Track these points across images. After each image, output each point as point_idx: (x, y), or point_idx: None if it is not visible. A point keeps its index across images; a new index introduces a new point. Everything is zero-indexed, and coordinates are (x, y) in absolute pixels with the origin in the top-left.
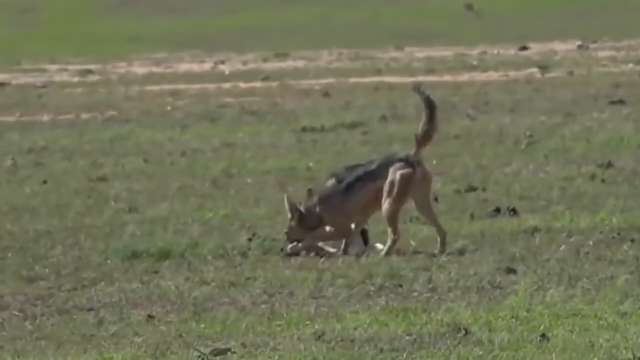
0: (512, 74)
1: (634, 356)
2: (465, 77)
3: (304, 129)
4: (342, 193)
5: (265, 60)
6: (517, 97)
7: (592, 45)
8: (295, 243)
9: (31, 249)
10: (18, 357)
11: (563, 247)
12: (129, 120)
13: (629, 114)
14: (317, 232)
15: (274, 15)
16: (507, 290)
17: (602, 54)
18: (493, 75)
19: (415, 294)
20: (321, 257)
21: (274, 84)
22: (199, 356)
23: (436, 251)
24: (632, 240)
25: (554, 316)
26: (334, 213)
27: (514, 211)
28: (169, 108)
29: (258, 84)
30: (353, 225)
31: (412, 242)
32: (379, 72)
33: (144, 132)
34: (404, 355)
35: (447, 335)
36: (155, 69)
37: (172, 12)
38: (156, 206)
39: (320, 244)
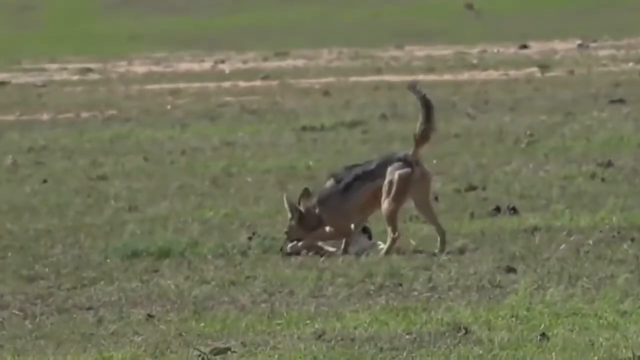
0: (512, 73)
1: (633, 355)
2: (465, 76)
3: (304, 128)
4: (341, 193)
5: (265, 59)
6: (517, 96)
7: (592, 45)
8: (295, 242)
9: (31, 248)
10: (18, 356)
11: (563, 246)
12: (129, 119)
13: (629, 113)
14: (317, 232)
15: (274, 15)
16: (507, 289)
17: (602, 53)
18: (493, 74)
19: (416, 293)
20: (321, 256)
21: (274, 83)
22: (199, 355)
23: (436, 250)
24: (632, 239)
25: (554, 315)
26: (333, 213)
27: (514, 210)
28: (169, 107)
29: (258, 83)
30: (352, 225)
31: (412, 241)
32: (379, 71)
33: (144, 131)
34: (404, 354)
35: (447, 334)
36: (155, 68)
37: (172, 11)
38: (156, 205)
39: (319, 243)
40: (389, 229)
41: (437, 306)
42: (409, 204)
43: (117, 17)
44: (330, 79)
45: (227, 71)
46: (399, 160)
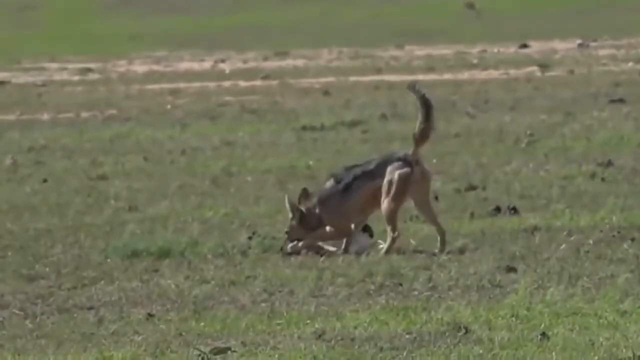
0: (513, 72)
1: (634, 355)
2: (465, 75)
3: (304, 128)
4: (341, 194)
5: (265, 58)
6: (517, 96)
7: (593, 44)
8: (295, 242)
9: (31, 248)
10: (18, 355)
11: (563, 245)
12: (129, 119)
13: (629, 112)
14: (318, 232)
15: (274, 14)
16: (508, 289)
17: (602, 52)
18: (493, 73)
19: (416, 292)
20: (321, 256)
21: (274, 82)
22: (199, 355)
23: (436, 250)
24: (632, 239)
25: (554, 315)
26: (333, 214)
27: (514, 210)
28: (169, 106)
29: (258, 83)
30: (353, 225)
31: (412, 241)
32: (379, 70)
33: (144, 131)
34: (404, 354)
35: (447, 334)
36: (155, 68)
37: (172, 11)
38: (156, 205)
39: (320, 243)
40: (389, 229)
41: (437, 306)
42: (409, 204)
43: (117, 17)
44: (330, 79)
45: (227, 71)
46: (399, 159)
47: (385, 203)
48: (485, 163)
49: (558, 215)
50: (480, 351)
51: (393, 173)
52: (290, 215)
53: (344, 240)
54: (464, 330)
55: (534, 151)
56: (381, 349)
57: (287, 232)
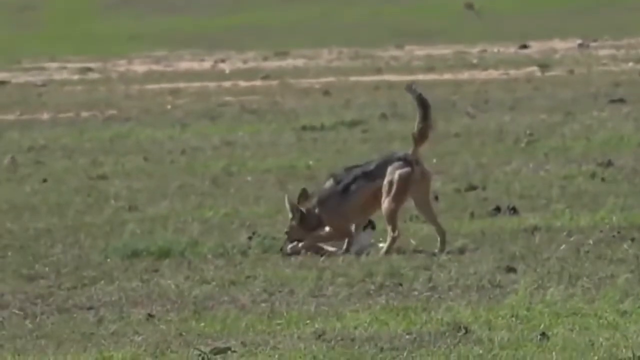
0: (512, 72)
1: (633, 355)
2: (465, 75)
3: (304, 128)
4: (340, 194)
5: (265, 58)
6: (517, 96)
7: (593, 44)
8: (295, 243)
9: (31, 248)
10: (18, 355)
11: (563, 245)
12: (129, 119)
13: (629, 112)
14: (318, 233)
15: (274, 14)
16: (507, 289)
17: (602, 52)
18: (493, 73)
19: (416, 292)
20: (321, 256)
21: (274, 82)
22: (199, 355)
23: (436, 250)
24: (632, 239)
25: (554, 315)
26: (333, 214)
27: (514, 210)
28: (169, 106)
29: (258, 83)
30: (353, 226)
31: (412, 241)
32: (379, 70)
33: (144, 131)
34: (404, 354)
35: (447, 334)
36: (155, 67)
37: (172, 11)
38: (156, 205)
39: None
40: (389, 228)
41: (437, 306)
42: (409, 204)
43: (117, 17)
44: (331, 79)
45: (227, 71)
46: (399, 159)
47: (385, 203)
48: (485, 163)
49: (558, 215)
50: (480, 351)
51: (393, 173)
52: (290, 215)
53: (345, 241)
54: (464, 331)
55: (533, 151)
56: (381, 349)
57: (287, 233)
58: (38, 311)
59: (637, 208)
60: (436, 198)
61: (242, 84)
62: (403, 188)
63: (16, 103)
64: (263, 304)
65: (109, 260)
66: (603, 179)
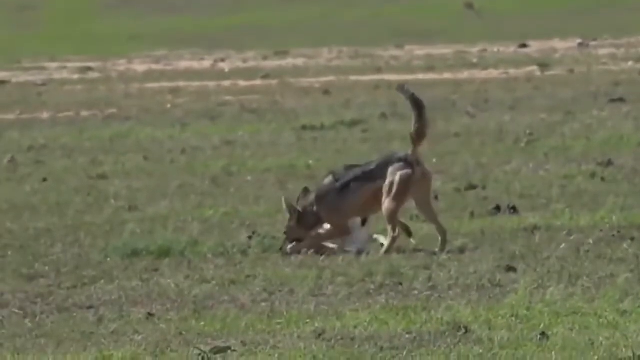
0: (512, 71)
1: (633, 354)
2: (465, 74)
3: (304, 127)
4: (339, 192)
5: (265, 58)
6: (517, 95)
7: (592, 43)
8: (294, 243)
9: (31, 247)
10: (18, 354)
11: (563, 245)
12: (129, 118)
13: (629, 112)
14: (317, 233)
15: (274, 14)
16: (507, 288)
17: (602, 51)
18: (493, 73)
19: (416, 292)
20: (321, 255)
21: (274, 82)
22: (199, 354)
23: (436, 249)
24: (632, 239)
25: (554, 314)
26: (331, 212)
27: (514, 209)
28: (169, 106)
29: (258, 82)
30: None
31: (412, 241)
32: (379, 70)
33: (144, 130)
34: (404, 353)
35: (447, 333)
36: (155, 67)
37: (172, 11)
38: (156, 204)
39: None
40: (389, 229)
41: (437, 305)
42: (410, 203)
43: (117, 17)
44: (331, 78)
45: (226, 70)
46: (400, 161)
47: (386, 203)
48: (485, 162)
49: (558, 214)
50: (480, 351)
51: (395, 174)
52: (288, 216)
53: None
54: (463, 330)
55: (533, 150)
56: (381, 349)
57: (285, 233)
58: (38, 310)
59: (637, 208)
60: (436, 197)
61: (242, 83)
62: (404, 189)
63: (16, 102)
64: (263, 304)
65: (108, 259)
66: (603, 179)
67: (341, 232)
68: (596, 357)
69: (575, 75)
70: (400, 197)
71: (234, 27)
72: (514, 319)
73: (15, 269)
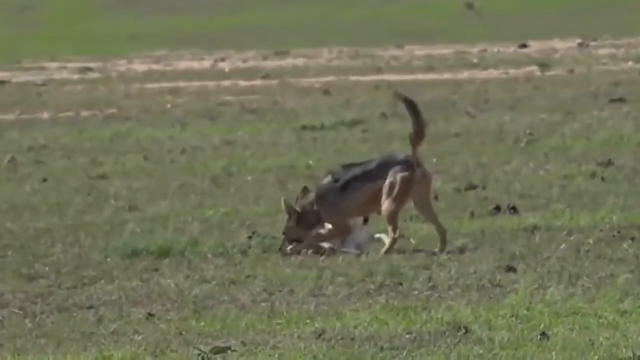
0: (512, 71)
1: (633, 354)
2: (465, 74)
3: (304, 127)
4: (339, 192)
5: (265, 58)
6: (517, 95)
7: (592, 43)
8: (294, 243)
9: (31, 247)
10: (18, 355)
11: (563, 245)
12: (129, 118)
13: (629, 112)
14: (316, 233)
15: (274, 14)
16: (507, 288)
17: (602, 52)
18: (493, 73)
19: (416, 292)
20: (321, 255)
21: (274, 82)
22: (199, 354)
23: (436, 249)
24: (632, 239)
25: (554, 314)
26: (332, 211)
27: (514, 209)
28: (169, 106)
29: (258, 82)
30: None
31: (412, 241)
32: (379, 70)
33: (144, 130)
34: (404, 353)
35: (447, 333)
36: (155, 67)
37: (172, 11)
38: (156, 204)
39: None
40: (390, 229)
41: (437, 305)
42: (409, 203)
43: (117, 17)
44: (331, 78)
45: (226, 70)
46: (400, 162)
47: (386, 204)
48: (485, 162)
49: (558, 214)
50: (480, 351)
51: (395, 175)
52: (287, 216)
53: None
54: (463, 330)
55: (533, 150)
56: (381, 349)
57: (284, 234)
58: (38, 310)
59: (637, 208)
60: (436, 197)
61: (242, 83)
62: (404, 190)
63: (16, 102)
64: (263, 304)
65: (108, 259)
66: (603, 179)
67: (342, 231)
68: (596, 357)
69: (575, 75)
70: (400, 198)
71: (234, 27)
72: (514, 319)
73: (15, 269)
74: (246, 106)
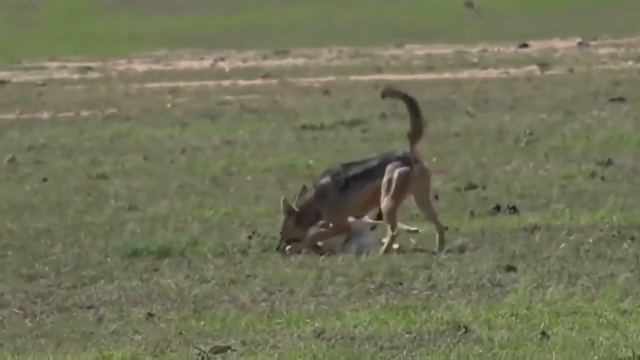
0: (512, 71)
1: (633, 354)
2: (465, 74)
3: (304, 127)
4: (339, 191)
5: (265, 57)
6: (517, 95)
7: (592, 43)
8: (293, 243)
9: (31, 247)
10: (18, 354)
11: (563, 245)
12: (129, 118)
13: (629, 111)
14: (316, 233)
15: (274, 14)
16: (507, 288)
17: (602, 51)
18: (493, 72)
19: (415, 291)
20: (321, 255)
21: (274, 81)
22: (199, 354)
23: (436, 249)
24: (632, 238)
25: (554, 314)
26: (332, 210)
27: (514, 209)
28: (169, 105)
29: (258, 82)
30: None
31: (412, 240)
32: (379, 69)
33: (144, 130)
34: (404, 353)
35: (447, 333)
36: (155, 67)
37: (172, 11)
38: (156, 204)
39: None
40: (388, 227)
41: (437, 305)
42: (409, 202)
43: (117, 17)
44: (330, 78)
45: (226, 69)
46: (398, 158)
47: (384, 201)
48: (485, 162)
49: (558, 214)
50: (480, 350)
51: (392, 172)
52: (285, 216)
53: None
54: (463, 330)
55: (533, 150)
56: (381, 348)
57: (281, 233)
58: (38, 310)
59: (637, 207)
60: (436, 197)
61: (242, 83)
62: (402, 187)
63: (16, 102)
64: (263, 303)
65: (108, 259)
66: (603, 178)
67: (342, 230)
68: (596, 357)
69: (575, 74)
70: (398, 195)
71: (234, 27)
72: (514, 318)
73: (15, 268)
74: (246, 106)
